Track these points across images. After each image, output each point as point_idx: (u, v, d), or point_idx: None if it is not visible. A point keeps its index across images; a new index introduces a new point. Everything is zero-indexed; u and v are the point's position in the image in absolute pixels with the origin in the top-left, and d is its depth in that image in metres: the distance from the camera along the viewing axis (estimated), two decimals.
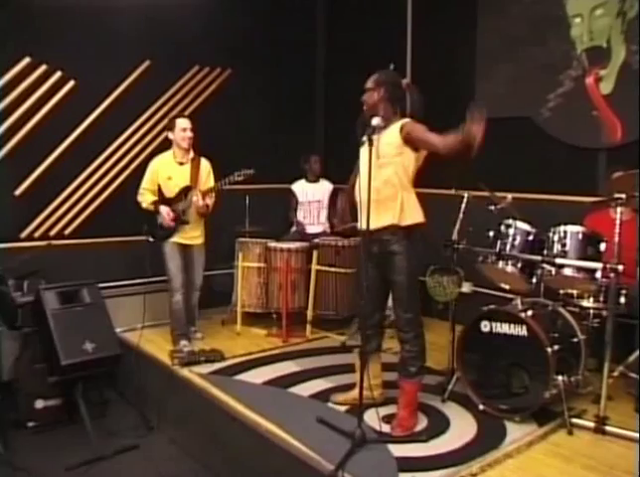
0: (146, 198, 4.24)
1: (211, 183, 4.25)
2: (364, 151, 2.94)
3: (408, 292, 3.00)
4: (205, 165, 4.28)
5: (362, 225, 2.88)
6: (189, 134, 4.14)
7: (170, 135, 4.19)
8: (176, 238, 4.19)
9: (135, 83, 4.87)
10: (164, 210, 4.15)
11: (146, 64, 4.91)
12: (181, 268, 4.20)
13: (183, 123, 4.14)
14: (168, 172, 4.20)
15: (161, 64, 4.94)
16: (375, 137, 2.84)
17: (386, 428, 2.99)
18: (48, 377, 3.68)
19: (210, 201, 4.19)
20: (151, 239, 4.22)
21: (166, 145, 4.35)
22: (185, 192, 4.16)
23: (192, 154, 4.24)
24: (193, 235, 4.26)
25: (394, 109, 3.07)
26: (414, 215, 3.01)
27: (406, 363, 3.05)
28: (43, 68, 4.49)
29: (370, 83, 3.11)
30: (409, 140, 2.95)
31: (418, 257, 3.05)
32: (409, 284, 3.00)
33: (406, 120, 3.01)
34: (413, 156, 3.00)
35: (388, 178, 2.96)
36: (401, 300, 3.02)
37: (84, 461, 3.36)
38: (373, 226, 2.82)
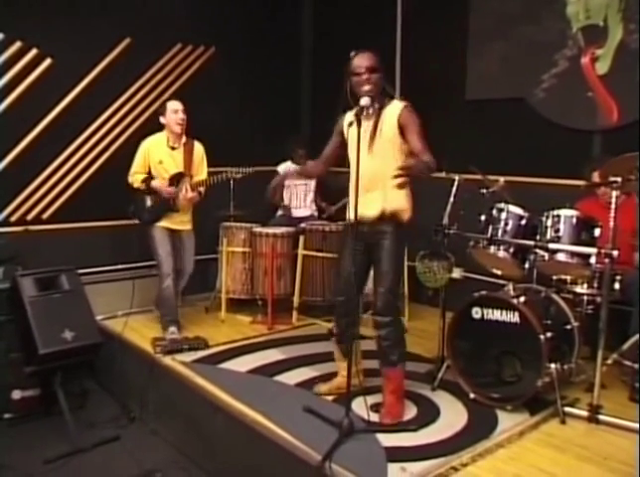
0: (137, 178, 4.14)
1: (204, 169, 4.20)
2: (353, 132, 2.81)
3: (392, 272, 2.93)
4: (198, 149, 4.21)
5: (351, 209, 2.78)
6: (181, 116, 4.04)
7: (162, 119, 4.10)
8: (164, 223, 4.14)
9: (115, 62, 4.71)
10: (157, 184, 4.06)
11: (127, 41, 4.75)
12: (170, 253, 4.12)
13: (174, 105, 4.07)
14: (159, 155, 4.10)
15: (142, 41, 4.78)
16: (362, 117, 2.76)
17: (374, 417, 2.93)
18: (25, 366, 3.59)
19: (198, 194, 4.16)
20: (137, 221, 4.16)
21: (150, 126, 4.25)
22: (177, 178, 4.09)
23: (184, 139, 4.15)
24: (182, 219, 4.23)
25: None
26: (408, 198, 2.95)
27: (386, 351, 2.98)
28: (17, 44, 4.31)
29: (375, 62, 2.89)
30: (401, 130, 2.87)
31: (407, 242, 3.04)
32: (395, 264, 2.94)
33: (406, 105, 2.90)
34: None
35: (384, 161, 2.88)
36: (384, 280, 2.93)
37: (63, 454, 3.30)
38: (365, 209, 2.78)
